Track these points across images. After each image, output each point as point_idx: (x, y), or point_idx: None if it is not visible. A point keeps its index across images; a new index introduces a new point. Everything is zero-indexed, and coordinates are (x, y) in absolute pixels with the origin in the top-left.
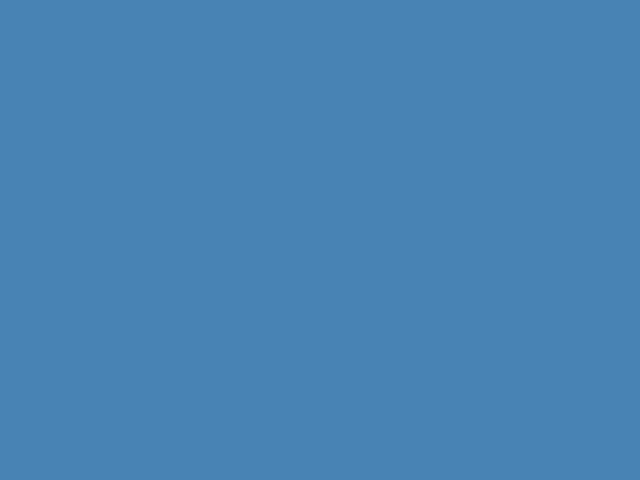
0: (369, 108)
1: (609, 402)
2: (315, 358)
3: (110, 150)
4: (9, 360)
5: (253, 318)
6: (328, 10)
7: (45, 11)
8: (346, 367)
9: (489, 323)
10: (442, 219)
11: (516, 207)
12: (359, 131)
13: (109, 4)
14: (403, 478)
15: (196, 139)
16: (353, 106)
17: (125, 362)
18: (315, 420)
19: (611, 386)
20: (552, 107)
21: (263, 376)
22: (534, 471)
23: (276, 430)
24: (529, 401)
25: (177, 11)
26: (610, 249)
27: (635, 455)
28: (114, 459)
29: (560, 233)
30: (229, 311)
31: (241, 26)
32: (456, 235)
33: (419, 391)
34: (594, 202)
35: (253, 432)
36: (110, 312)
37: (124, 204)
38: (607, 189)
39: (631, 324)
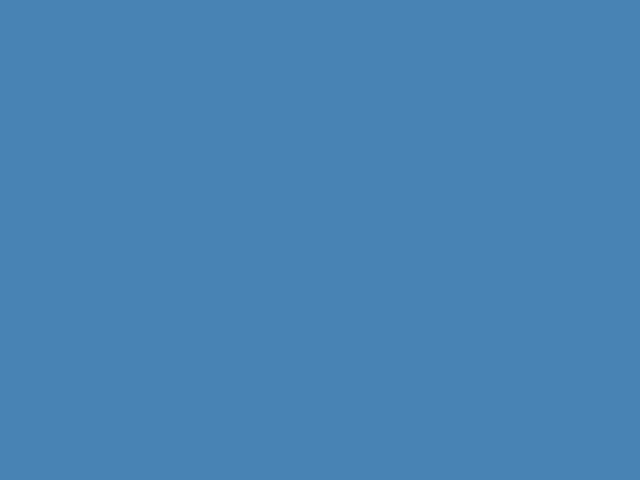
0: (369, 108)
1: (609, 402)
2: (315, 358)
3: (110, 150)
4: (9, 360)
5: (253, 318)
6: (328, 10)
7: (45, 11)
8: (346, 367)
9: (489, 323)
10: (442, 219)
11: (516, 207)
12: (359, 131)
13: (109, 4)
14: (403, 478)
15: (196, 139)
16: (353, 106)
17: (125, 362)
18: (315, 420)
19: (611, 386)
20: (552, 107)
21: (263, 376)
22: (534, 471)
23: (276, 430)
24: (529, 401)
25: (177, 11)
26: (610, 249)
27: (635, 455)
28: (114, 459)
29: (560, 233)
30: (229, 311)
31: (241, 26)
32: (456, 235)
33: (419, 391)
34: (594, 202)
35: (253, 432)
36: (110, 312)
37: (124, 204)
38: (607, 189)
39: (631, 324)
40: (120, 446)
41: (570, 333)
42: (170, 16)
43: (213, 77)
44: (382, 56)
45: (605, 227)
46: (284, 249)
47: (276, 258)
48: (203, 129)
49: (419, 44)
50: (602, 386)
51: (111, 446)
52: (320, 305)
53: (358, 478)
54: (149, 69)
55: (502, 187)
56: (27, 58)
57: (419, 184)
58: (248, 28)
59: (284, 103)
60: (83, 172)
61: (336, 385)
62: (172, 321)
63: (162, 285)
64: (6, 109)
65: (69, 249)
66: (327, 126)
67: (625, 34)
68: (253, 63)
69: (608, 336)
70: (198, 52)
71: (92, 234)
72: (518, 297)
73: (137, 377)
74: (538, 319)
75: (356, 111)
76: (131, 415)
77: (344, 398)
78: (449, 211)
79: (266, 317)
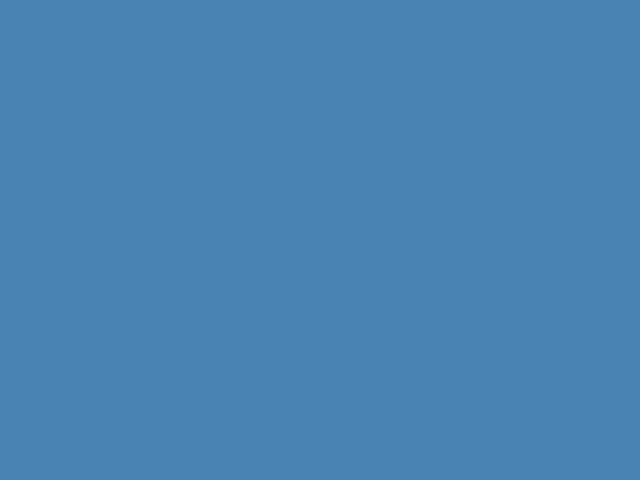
0: (369, 108)
1: (609, 402)
2: (315, 358)
3: (110, 150)
4: (9, 360)
5: (253, 318)
6: (328, 11)
7: (45, 11)
8: (346, 367)
9: (489, 324)
10: (442, 220)
11: (516, 207)
12: (359, 131)
13: (109, 4)
14: (403, 478)
15: (196, 139)
16: (353, 106)
17: (125, 362)
18: (315, 420)
19: (611, 386)
20: (552, 107)
21: (263, 376)
22: (534, 471)
23: (276, 430)
24: (529, 401)
25: (177, 11)
26: (610, 249)
27: (635, 455)
28: (114, 459)
29: (560, 233)
30: (229, 311)
31: (241, 26)
32: (456, 236)
33: (419, 391)
34: (594, 202)
35: (253, 432)
36: (110, 312)
37: (124, 205)
38: (607, 190)
39: (631, 324)
40: (120, 446)
41: (570, 333)
42: (170, 16)
43: (213, 77)
44: (382, 56)
45: (605, 228)
46: (284, 249)
47: (276, 258)
48: (203, 129)
49: (419, 44)
50: (602, 386)
51: (111, 446)
52: (320, 305)
53: (358, 478)
54: (149, 69)
55: (502, 188)
56: (27, 58)
57: (419, 185)
58: (248, 28)
59: (284, 103)
60: (82, 172)
61: (336, 385)
62: (172, 321)
63: (162, 285)
64: (6, 109)
65: (69, 249)
66: (327, 126)
67: (625, 34)
68: (253, 63)
69: (608, 336)
70: (198, 52)
71: (92, 234)
72: (518, 297)
73: (137, 377)
74: (538, 320)
75: (356, 111)
76: (131, 415)
77: (344, 398)
78: (449, 212)
79: (266, 317)
